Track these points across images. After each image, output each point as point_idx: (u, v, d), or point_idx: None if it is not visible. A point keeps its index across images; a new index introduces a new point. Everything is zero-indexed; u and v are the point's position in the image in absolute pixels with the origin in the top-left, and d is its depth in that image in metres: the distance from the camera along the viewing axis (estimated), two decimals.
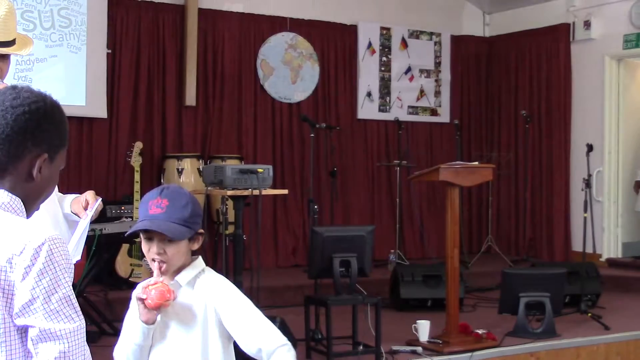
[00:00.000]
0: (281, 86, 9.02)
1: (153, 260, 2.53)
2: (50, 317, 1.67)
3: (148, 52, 8.26)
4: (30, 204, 1.87)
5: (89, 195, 3.01)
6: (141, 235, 2.55)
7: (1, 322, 1.68)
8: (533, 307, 6.12)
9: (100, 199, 3.02)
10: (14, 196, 1.80)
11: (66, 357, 1.69)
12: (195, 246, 2.64)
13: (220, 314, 2.59)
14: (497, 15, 10.35)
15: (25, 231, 1.71)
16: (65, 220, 3.07)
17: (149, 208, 2.54)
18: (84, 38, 7.73)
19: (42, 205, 2.01)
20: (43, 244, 1.69)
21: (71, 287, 1.73)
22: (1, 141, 1.78)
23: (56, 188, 2.98)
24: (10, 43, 2.90)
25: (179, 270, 2.58)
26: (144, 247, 2.54)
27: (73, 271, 1.78)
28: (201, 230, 2.64)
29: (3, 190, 1.80)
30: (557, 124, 9.49)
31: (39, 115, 1.81)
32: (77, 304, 1.74)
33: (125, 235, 2.74)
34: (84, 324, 1.74)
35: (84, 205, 3.01)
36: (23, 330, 1.70)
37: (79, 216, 3.02)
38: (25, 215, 1.84)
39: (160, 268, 2.52)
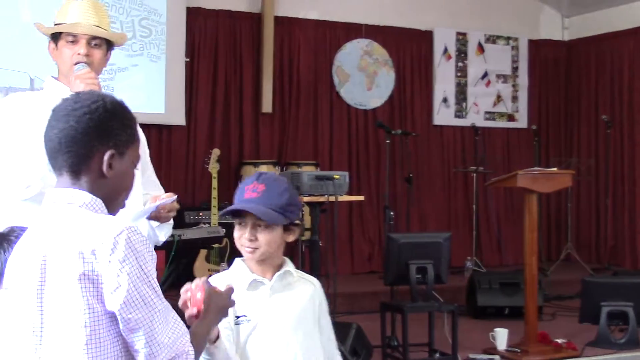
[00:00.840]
0: (357, 93, 9.02)
1: (243, 246, 2.43)
2: (133, 304, 1.75)
3: (225, 60, 8.35)
4: (112, 201, 1.94)
5: (168, 194, 2.97)
6: (234, 221, 2.47)
7: (90, 310, 1.75)
8: (615, 317, 5.96)
9: (176, 196, 2.93)
10: (94, 197, 1.88)
11: (152, 341, 1.77)
12: (291, 238, 2.52)
13: (319, 313, 2.57)
14: (576, 18, 10.15)
15: (105, 224, 1.80)
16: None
17: (245, 192, 2.46)
18: (163, 47, 7.87)
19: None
20: (121, 233, 1.77)
21: (152, 272, 1.81)
22: (69, 144, 1.87)
23: (142, 192, 3.01)
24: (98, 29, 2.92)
25: (272, 264, 2.50)
26: (236, 233, 2.46)
27: (155, 257, 1.86)
28: (298, 222, 2.53)
29: (84, 191, 1.87)
30: None
31: (100, 114, 1.89)
32: (157, 287, 1.81)
33: (221, 213, 2.73)
34: (167, 305, 1.82)
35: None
36: (114, 317, 1.77)
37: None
38: (106, 214, 1.91)
39: (251, 253, 2.43)
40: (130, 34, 7.69)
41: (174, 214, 3.00)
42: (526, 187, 5.58)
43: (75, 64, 2.85)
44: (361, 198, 6.61)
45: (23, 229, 2.26)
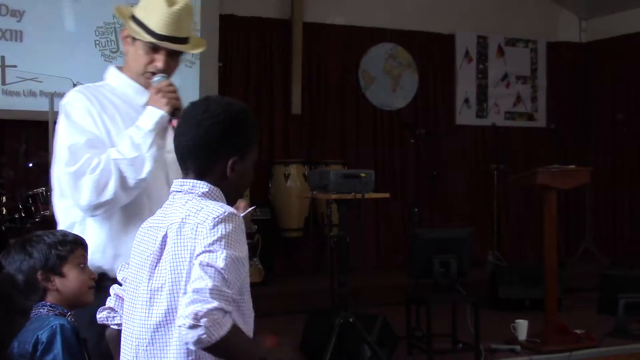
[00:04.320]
0: (382, 94, 9.02)
1: None
2: (205, 273, 1.85)
3: (256, 64, 8.40)
4: (230, 194, 2.09)
5: (242, 202, 2.70)
6: None
7: (187, 276, 1.90)
8: (633, 308, 5.94)
9: (254, 207, 2.77)
10: (213, 186, 2.04)
11: (202, 293, 1.82)
12: None
13: None
14: (594, 20, 10.06)
15: (211, 207, 1.95)
16: None
17: None
18: (197, 53, 7.91)
19: None
20: (220, 215, 1.92)
21: (242, 254, 1.91)
22: (198, 151, 2.01)
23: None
24: (182, 40, 2.70)
25: None
26: None
27: (246, 243, 1.97)
28: None
29: (204, 182, 2.03)
30: None
31: (227, 124, 2.01)
32: (238, 272, 1.89)
33: None
34: (230, 294, 1.86)
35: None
36: None
37: None
38: (224, 202, 2.05)
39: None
40: None
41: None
42: (545, 184, 5.57)
43: (151, 71, 2.69)
44: (387, 195, 6.59)
45: (45, 233, 2.45)
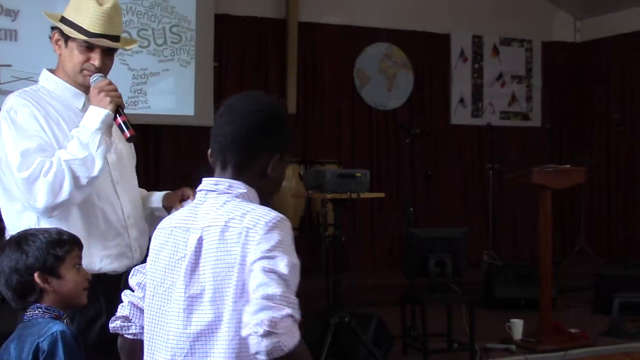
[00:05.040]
0: (377, 94, 9.02)
1: None
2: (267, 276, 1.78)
3: (252, 63, 8.38)
4: (265, 194, 2.03)
5: (188, 190, 2.95)
6: None
7: (238, 280, 1.83)
8: (627, 308, 5.94)
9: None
10: (250, 187, 1.98)
11: (273, 300, 1.75)
12: None
13: None
14: (589, 21, 10.08)
15: (259, 211, 1.89)
16: (150, 217, 3.01)
17: None
18: (193, 53, 7.89)
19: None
20: (272, 220, 1.86)
21: (297, 260, 1.88)
22: (240, 143, 1.96)
23: (140, 189, 3.00)
24: (115, 38, 2.75)
25: None
26: None
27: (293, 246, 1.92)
28: None
29: (241, 183, 1.97)
30: None
31: (276, 119, 1.99)
32: (297, 278, 1.86)
33: None
34: (293, 297, 1.82)
35: (182, 198, 2.96)
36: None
37: (169, 210, 2.93)
38: (258, 203, 1.99)
39: None
40: (161, 40, 7.73)
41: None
42: (540, 184, 5.56)
43: (84, 70, 2.72)
44: (382, 195, 6.58)
45: (39, 231, 2.36)
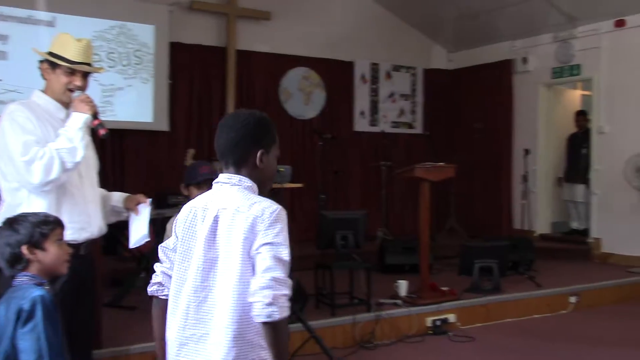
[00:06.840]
0: (297, 107, 9.01)
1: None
2: (273, 257, 1.87)
3: (199, 82, 8.26)
4: (262, 185, 2.08)
5: (142, 196, 3.11)
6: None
7: (243, 258, 1.89)
8: (484, 271, 6.09)
9: (150, 200, 3.10)
10: (253, 182, 2.04)
11: (278, 282, 1.84)
12: None
13: None
14: (458, 53, 10.29)
15: (264, 203, 1.95)
16: (111, 211, 3.13)
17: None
18: (151, 72, 7.74)
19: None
20: (275, 211, 1.93)
21: (288, 246, 1.93)
22: (233, 147, 2.03)
23: (101, 189, 3.09)
24: (89, 65, 2.93)
25: None
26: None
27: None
28: None
29: (247, 178, 2.03)
30: (502, 135, 9.43)
31: (254, 125, 2.05)
32: (289, 258, 1.91)
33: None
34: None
35: (137, 202, 3.09)
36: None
37: (126, 210, 3.09)
38: (258, 195, 2.04)
39: None
40: (126, 61, 7.55)
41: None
42: (421, 177, 5.65)
43: (70, 89, 2.86)
44: (300, 185, 6.61)
45: (29, 214, 2.36)
